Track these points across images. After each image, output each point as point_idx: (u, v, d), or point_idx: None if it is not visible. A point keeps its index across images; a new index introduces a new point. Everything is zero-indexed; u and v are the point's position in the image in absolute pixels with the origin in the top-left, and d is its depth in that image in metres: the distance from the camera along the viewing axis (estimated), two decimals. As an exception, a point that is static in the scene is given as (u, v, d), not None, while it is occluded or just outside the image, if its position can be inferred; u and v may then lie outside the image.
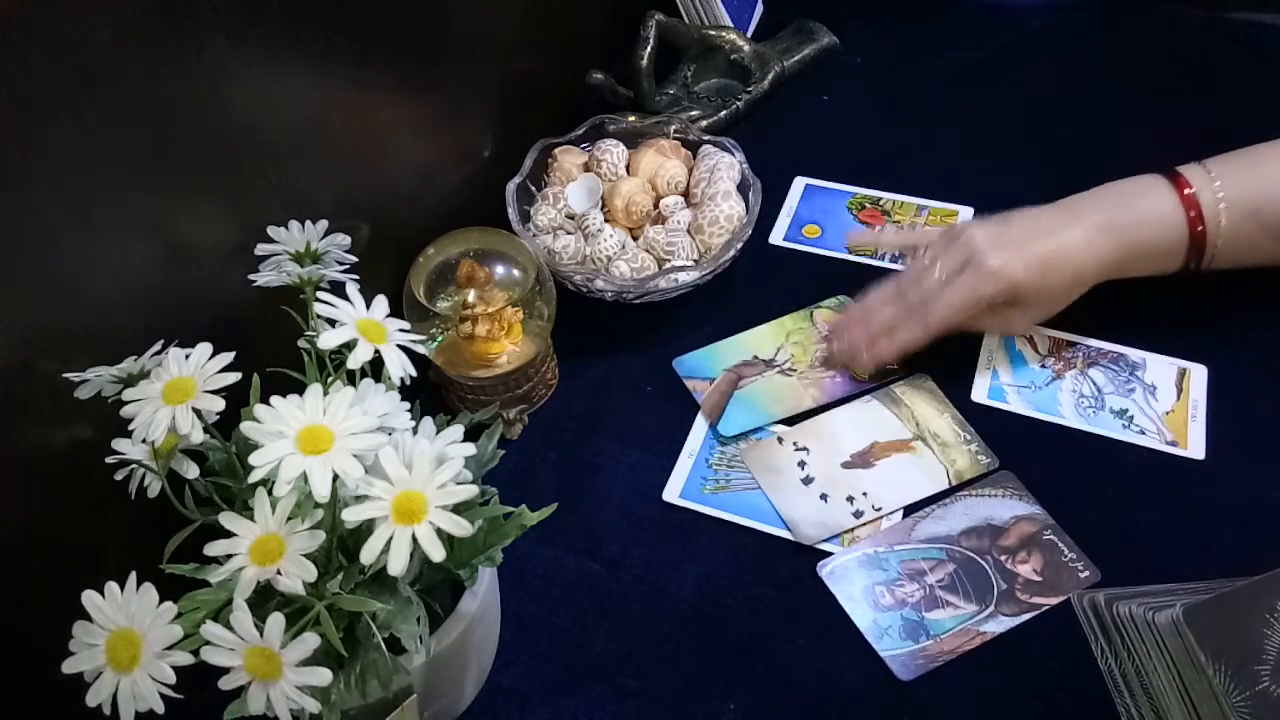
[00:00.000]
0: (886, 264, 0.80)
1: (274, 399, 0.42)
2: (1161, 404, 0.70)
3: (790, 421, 0.71)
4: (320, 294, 0.47)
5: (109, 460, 0.47)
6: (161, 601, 0.40)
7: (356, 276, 0.50)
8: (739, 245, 0.75)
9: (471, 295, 0.68)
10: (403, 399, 0.47)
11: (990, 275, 0.68)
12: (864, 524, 0.65)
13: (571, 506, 0.67)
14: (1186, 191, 0.68)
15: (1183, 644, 0.49)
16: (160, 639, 0.40)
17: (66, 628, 0.40)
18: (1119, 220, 0.69)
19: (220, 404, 0.44)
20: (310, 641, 0.41)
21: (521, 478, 0.69)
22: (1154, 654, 0.52)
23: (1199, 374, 0.71)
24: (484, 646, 0.59)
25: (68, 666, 0.40)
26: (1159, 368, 0.72)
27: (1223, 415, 0.69)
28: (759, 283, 0.80)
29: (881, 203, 0.85)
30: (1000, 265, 0.67)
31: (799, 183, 0.88)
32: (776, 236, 0.84)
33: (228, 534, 0.42)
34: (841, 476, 0.67)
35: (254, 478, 0.40)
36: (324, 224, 0.53)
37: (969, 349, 0.74)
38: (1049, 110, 0.90)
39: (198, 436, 0.44)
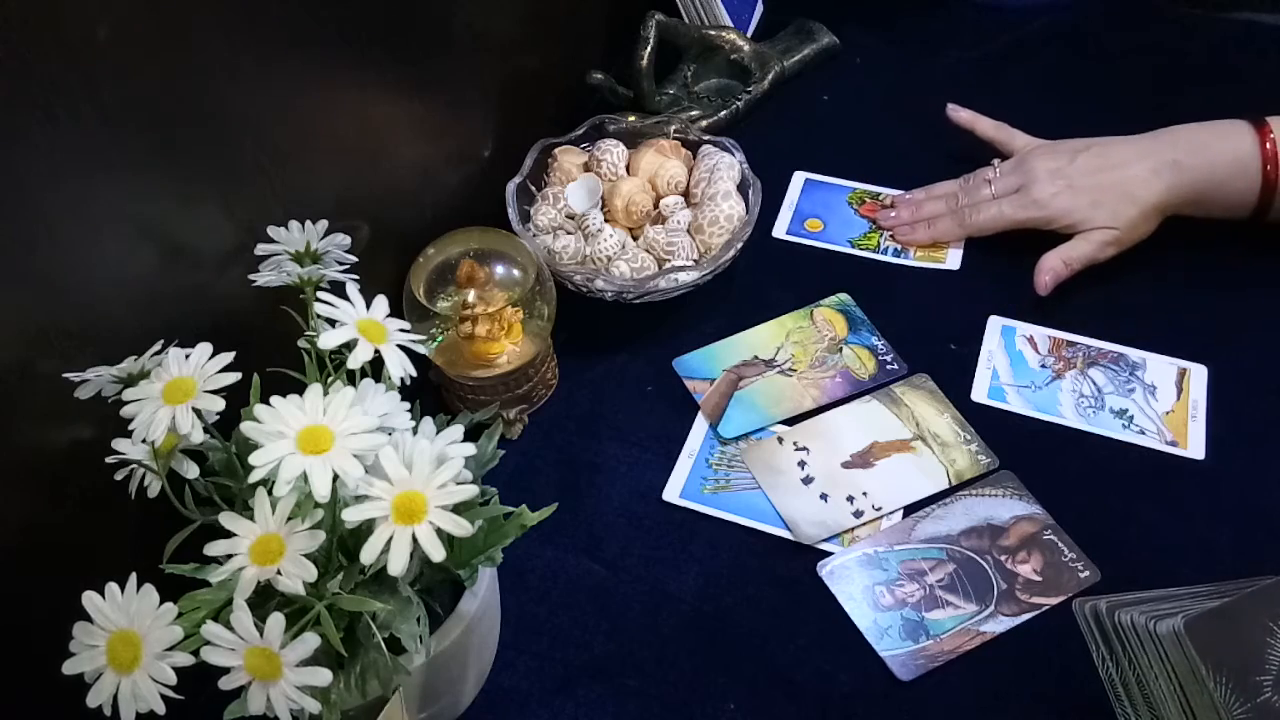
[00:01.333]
0: (890, 259, 0.80)
1: (274, 399, 0.42)
2: (1161, 404, 0.70)
3: (790, 421, 0.71)
4: (320, 294, 0.47)
5: (109, 460, 0.47)
6: (161, 601, 0.40)
7: (356, 276, 0.50)
8: (739, 245, 0.75)
9: (471, 295, 0.68)
10: (403, 399, 0.47)
11: (1034, 203, 0.76)
12: (864, 524, 0.65)
13: (571, 506, 0.67)
14: (1269, 140, 0.70)
15: (1184, 655, 0.49)
16: (161, 640, 0.40)
17: (66, 628, 0.40)
18: (1191, 160, 0.73)
19: (220, 404, 0.44)
20: (310, 641, 0.41)
21: (521, 478, 0.69)
22: (1155, 664, 0.52)
23: (1199, 374, 0.71)
24: (484, 646, 0.59)
25: (68, 667, 0.40)
26: (1159, 368, 0.72)
27: (1223, 415, 0.69)
28: (760, 281, 0.80)
29: (881, 198, 0.85)
30: (1047, 197, 0.76)
31: (798, 177, 0.88)
32: (779, 230, 0.84)
33: (228, 534, 0.42)
34: (841, 476, 0.67)
35: (254, 478, 0.40)
36: (324, 224, 0.53)
37: (969, 349, 0.74)
38: (1048, 110, 0.90)
39: (198, 436, 0.44)
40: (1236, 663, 0.47)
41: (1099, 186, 0.75)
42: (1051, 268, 0.74)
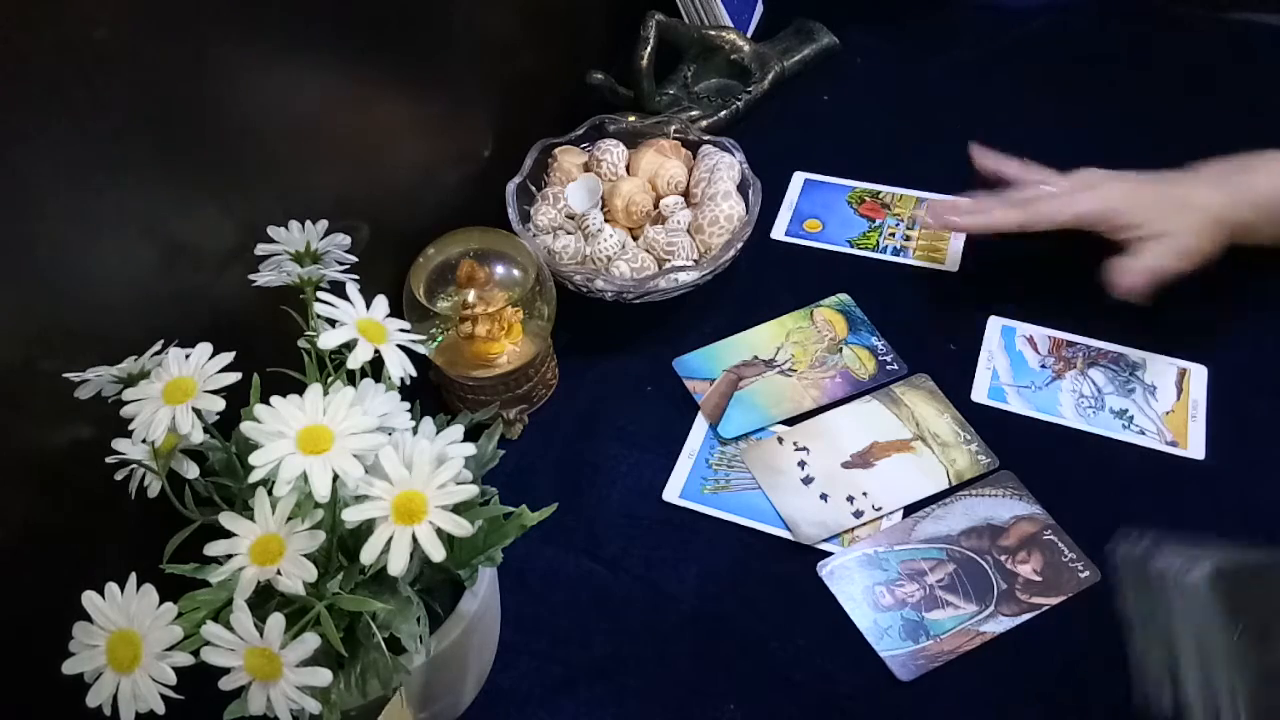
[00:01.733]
0: (890, 257, 0.80)
1: (274, 399, 0.42)
2: (1161, 404, 0.70)
3: (790, 421, 0.71)
4: (320, 294, 0.47)
5: (109, 460, 0.47)
6: (161, 601, 0.40)
7: (356, 276, 0.50)
8: (739, 245, 0.75)
9: (471, 295, 0.68)
10: (403, 399, 0.47)
11: (1096, 194, 0.73)
12: (864, 524, 0.65)
13: (571, 506, 0.67)
14: None
15: (1210, 602, 0.50)
16: (160, 640, 0.40)
17: (66, 628, 0.40)
18: (1243, 182, 0.72)
19: (220, 404, 0.44)
20: (310, 642, 0.41)
21: (521, 478, 0.69)
22: (1180, 607, 0.52)
23: (1199, 374, 0.71)
24: (484, 646, 0.59)
25: (68, 667, 0.40)
26: (1159, 368, 0.72)
27: (1223, 415, 0.69)
28: (760, 281, 0.80)
29: (881, 196, 0.85)
30: (1108, 190, 0.73)
31: (798, 178, 0.88)
32: (778, 232, 0.84)
33: (228, 534, 0.42)
34: (841, 476, 0.67)
35: (254, 478, 0.40)
36: (324, 224, 0.53)
37: (969, 349, 0.74)
38: (1048, 111, 0.90)
39: (198, 436, 0.44)
40: (1260, 620, 0.48)
41: (1166, 196, 0.72)
42: (1130, 270, 0.71)
